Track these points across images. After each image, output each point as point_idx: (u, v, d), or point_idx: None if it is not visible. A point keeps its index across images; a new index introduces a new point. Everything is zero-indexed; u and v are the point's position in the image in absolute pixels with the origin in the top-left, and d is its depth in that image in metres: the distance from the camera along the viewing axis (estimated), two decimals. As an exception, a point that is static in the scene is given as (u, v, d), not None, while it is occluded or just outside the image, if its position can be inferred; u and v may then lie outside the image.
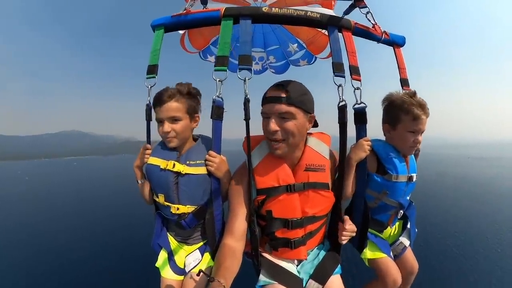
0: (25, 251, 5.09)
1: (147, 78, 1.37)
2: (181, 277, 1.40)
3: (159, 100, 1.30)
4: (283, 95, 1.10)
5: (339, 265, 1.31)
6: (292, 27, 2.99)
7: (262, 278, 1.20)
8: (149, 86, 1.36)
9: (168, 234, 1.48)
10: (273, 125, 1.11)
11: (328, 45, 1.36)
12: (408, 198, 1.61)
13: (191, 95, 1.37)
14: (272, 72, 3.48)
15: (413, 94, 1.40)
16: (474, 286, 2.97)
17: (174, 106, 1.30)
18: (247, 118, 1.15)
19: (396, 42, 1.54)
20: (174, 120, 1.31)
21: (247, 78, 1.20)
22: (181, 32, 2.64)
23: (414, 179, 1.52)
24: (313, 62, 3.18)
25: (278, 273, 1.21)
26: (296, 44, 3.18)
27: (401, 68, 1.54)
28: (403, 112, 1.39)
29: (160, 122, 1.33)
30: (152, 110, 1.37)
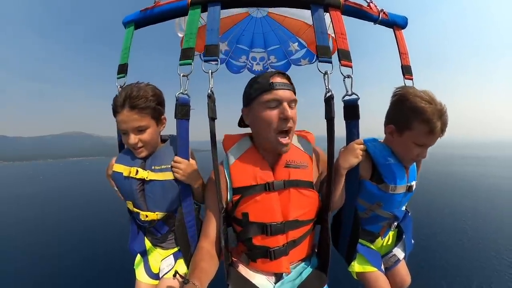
0: (51, 248, 5.28)
1: (117, 78, 1.32)
2: (156, 282, 1.34)
3: (118, 107, 1.15)
4: (289, 82, 1.06)
5: (325, 286, 1.14)
6: (291, 25, 2.84)
7: None
8: (119, 86, 1.29)
9: (145, 237, 1.43)
10: (290, 112, 1.02)
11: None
12: (403, 208, 1.40)
13: (154, 97, 1.21)
14: (274, 72, 3.33)
15: (435, 100, 1.12)
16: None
17: (137, 115, 1.16)
18: (210, 115, 1.03)
19: (396, 23, 1.31)
20: (139, 130, 1.18)
21: (211, 71, 1.06)
22: (180, 35, 2.57)
23: (414, 188, 1.29)
24: (314, 61, 2.99)
25: None
26: (297, 43, 3.03)
27: (402, 53, 1.31)
28: (418, 119, 1.12)
29: (124, 133, 1.19)
30: None
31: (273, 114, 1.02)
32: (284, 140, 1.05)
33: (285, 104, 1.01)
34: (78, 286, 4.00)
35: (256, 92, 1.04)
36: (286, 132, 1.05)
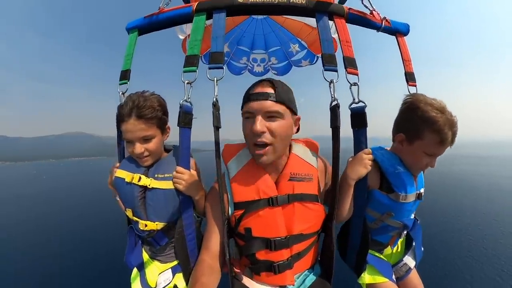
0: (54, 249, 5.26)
1: (119, 84, 1.29)
2: None
3: (125, 116, 1.14)
4: (271, 91, 0.98)
5: None
6: (291, 27, 2.84)
7: None
8: (121, 93, 1.28)
9: (142, 249, 1.38)
10: (260, 125, 0.95)
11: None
12: (412, 216, 1.36)
13: (160, 107, 1.22)
14: (274, 73, 3.33)
15: (446, 109, 1.11)
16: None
17: (144, 125, 1.16)
18: (215, 124, 1.00)
19: (399, 30, 1.31)
20: (145, 139, 1.19)
21: (216, 79, 1.05)
22: (181, 37, 2.57)
23: (423, 195, 1.28)
24: (315, 62, 3.00)
25: None
26: (298, 44, 3.03)
27: (405, 60, 1.31)
28: (429, 129, 1.10)
29: (130, 142, 1.19)
30: None
31: (247, 126, 0.99)
32: (258, 151, 0.99)
33: (257, 117, 0.96)
34: (80, 286, 4.00)
35: (242, 101, 1.03)
36: (261, 146, 0.98)
